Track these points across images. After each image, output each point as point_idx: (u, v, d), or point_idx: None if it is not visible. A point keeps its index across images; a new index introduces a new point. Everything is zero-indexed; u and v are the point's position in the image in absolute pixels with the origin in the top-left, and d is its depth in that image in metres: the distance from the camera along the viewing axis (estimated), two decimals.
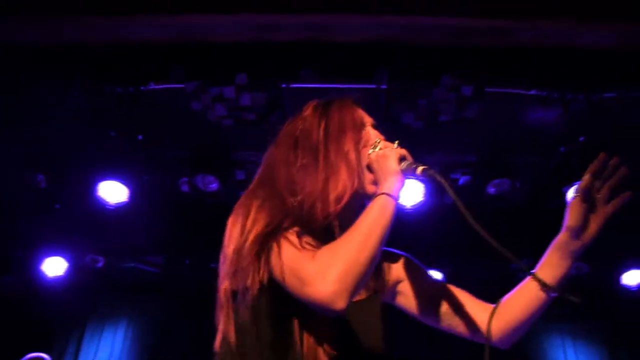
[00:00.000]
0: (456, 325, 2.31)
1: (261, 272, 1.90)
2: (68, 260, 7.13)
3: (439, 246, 6.29)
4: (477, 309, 2.30)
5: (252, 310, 1.97)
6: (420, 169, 2.10)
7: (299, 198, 2.09)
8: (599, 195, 2.12)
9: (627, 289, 7.55)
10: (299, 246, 1.89)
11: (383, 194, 2.02)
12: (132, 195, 6.21)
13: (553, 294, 2.16)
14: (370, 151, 2.20)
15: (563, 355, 8.29)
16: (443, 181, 2.02)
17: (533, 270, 2.20)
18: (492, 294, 2.33)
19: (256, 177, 2.30)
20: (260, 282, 1.91)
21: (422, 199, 6.07)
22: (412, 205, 6.10)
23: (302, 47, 4.83)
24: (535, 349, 8.33)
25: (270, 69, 5.09)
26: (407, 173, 2.12)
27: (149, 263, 7.56)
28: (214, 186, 6.04)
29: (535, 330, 8.39)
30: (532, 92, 5.35)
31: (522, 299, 2.22)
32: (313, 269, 1.81)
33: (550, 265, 2.18)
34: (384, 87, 5.29)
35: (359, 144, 2.22)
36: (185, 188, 6.31)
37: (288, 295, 1.88)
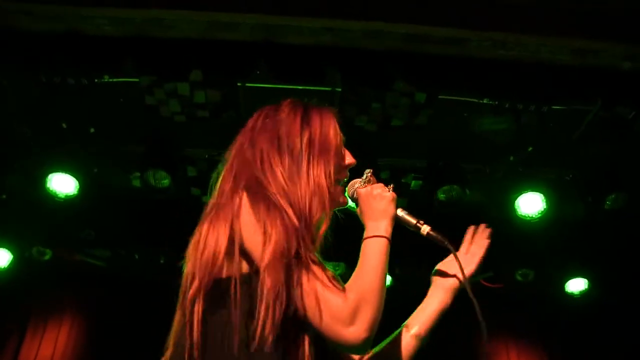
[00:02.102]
0: None
1: (285, 293, 1.89)
2: (13, 251, 7.00)
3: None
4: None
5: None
6: (426, 229, 2.25)
7: (295, 212, 2.07)
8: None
9: (570, 296, 7.70)
10: (326, 280, 1.93)
11: (383, 237, 2.11)
12: (82, 188, 6.12)
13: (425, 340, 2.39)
14: (361, 184, 2.30)
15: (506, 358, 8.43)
16: (450, 247, 2.22)
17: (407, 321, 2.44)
18: None
19: (234, 172, 2.23)
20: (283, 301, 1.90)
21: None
22: None
23: (258, 47, 4.83)
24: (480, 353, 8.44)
25: (226, 67, 5.07)
26: (405, 223, 2.28)
27: (96, 256, 7.47)
28: (166, 182, 6.00)
29: (480, 334, 8.50)
30: (484, 100, 5.44)
31: (397, 349, 2.38)
32: (348, 310, 1.88)
33: (424, 310, 2.45)
34: (338, 89, 5.34)
35: (339, 164, 2.29)
36: (136, 183, 6.26)
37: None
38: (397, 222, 2.23)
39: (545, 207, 6.24)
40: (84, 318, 8.14)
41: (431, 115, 5.50)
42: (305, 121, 2.29)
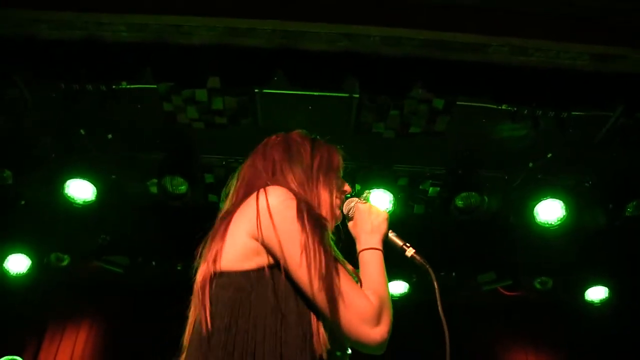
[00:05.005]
0: None
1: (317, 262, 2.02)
2: (31, 257, 7.02)
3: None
4: None
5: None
6: (411, 251, 2.34)
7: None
8: None
9: (590, 304, 7.63)
10: (350, 278, 2.09)
11: (379, 249, 2.29)
12: (100, 194, 6.14)
13: None
14: (360, 201, 2.47)
15: None
16: (429, 269, 2.27)
17: None
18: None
19: (247, 181, 2.38)
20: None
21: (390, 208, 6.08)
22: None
23: (276, 53, 4.82)
24: None
25: (244, 73, 5.07)
26: (393, 244, 2.38)
27: (113, 263, 7.48)
28: (183, 188, 6.00)
29: (499, 342, 8.46)
30: (503, 107, 5.39)
31: None
32: (374, 312, 2.04)
33: None
34: (356, 96, 5.32)
35: (339, 186, 2.48)
36: (153, 189, 6.27)
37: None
38: (385, 241, 2.36)
39: (564, 214, 6.19)
40: (101, 324, 8.18)
41: (449, 121, 5.46)
42: (316, 145, 2.49)
